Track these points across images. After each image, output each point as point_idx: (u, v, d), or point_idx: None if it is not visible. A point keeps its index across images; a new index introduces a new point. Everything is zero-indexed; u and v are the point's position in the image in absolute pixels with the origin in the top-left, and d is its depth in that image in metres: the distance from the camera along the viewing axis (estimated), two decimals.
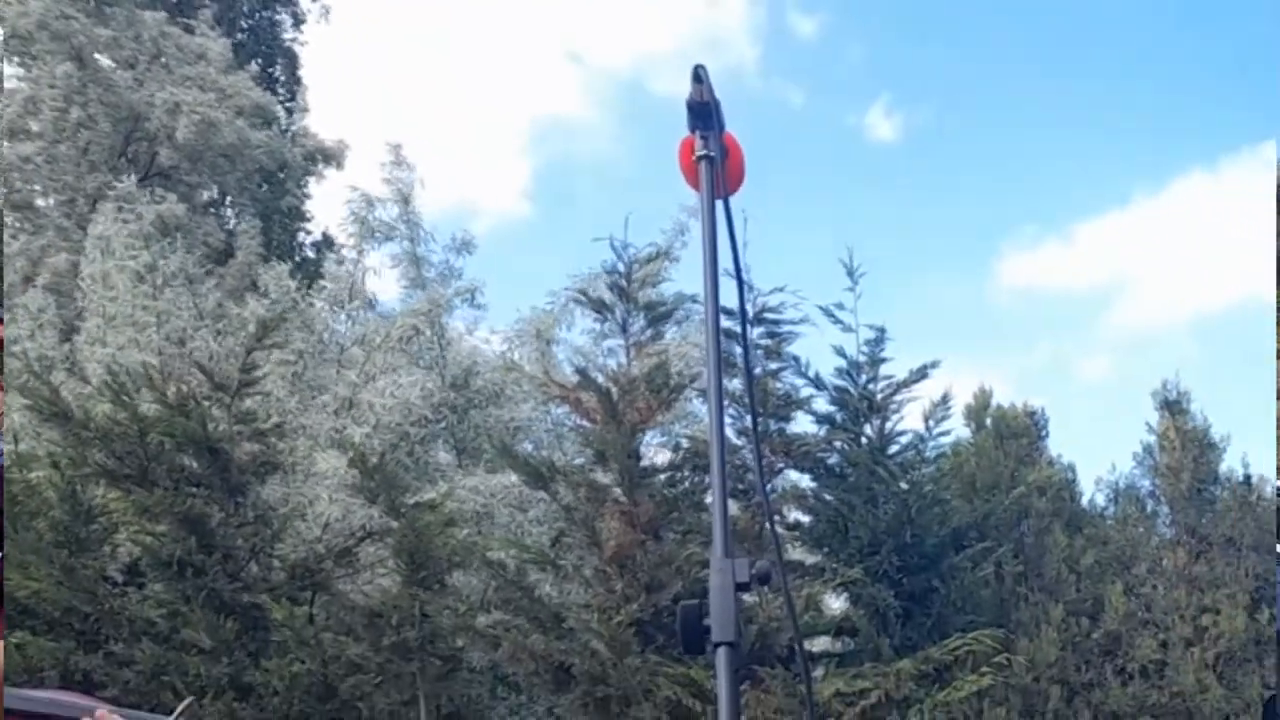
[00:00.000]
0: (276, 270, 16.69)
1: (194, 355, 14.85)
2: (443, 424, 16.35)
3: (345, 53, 37.80)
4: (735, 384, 13.91)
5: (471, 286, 18.09)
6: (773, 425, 14.40)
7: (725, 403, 12.49)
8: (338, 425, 15.11)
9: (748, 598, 13.50)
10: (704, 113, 3.03)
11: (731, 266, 3.32)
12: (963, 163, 33.05)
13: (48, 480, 13.05)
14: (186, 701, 3.57)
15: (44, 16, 22.24)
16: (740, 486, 14.26)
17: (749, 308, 14.11)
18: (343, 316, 17.47)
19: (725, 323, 11.60)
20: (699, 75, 3.13)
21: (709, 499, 13.48)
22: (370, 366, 16.05)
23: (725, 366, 13.67)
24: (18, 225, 19.69)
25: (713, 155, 3.01)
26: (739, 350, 13.44)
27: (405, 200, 18.29)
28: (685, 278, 15.02)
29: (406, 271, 18.13)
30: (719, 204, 3.07)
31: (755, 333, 14.28)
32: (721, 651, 2.85)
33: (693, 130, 3.04)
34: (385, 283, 18.19)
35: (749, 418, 13.80)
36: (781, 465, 14.53)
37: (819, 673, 13.16)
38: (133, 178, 20.37)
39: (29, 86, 23.13)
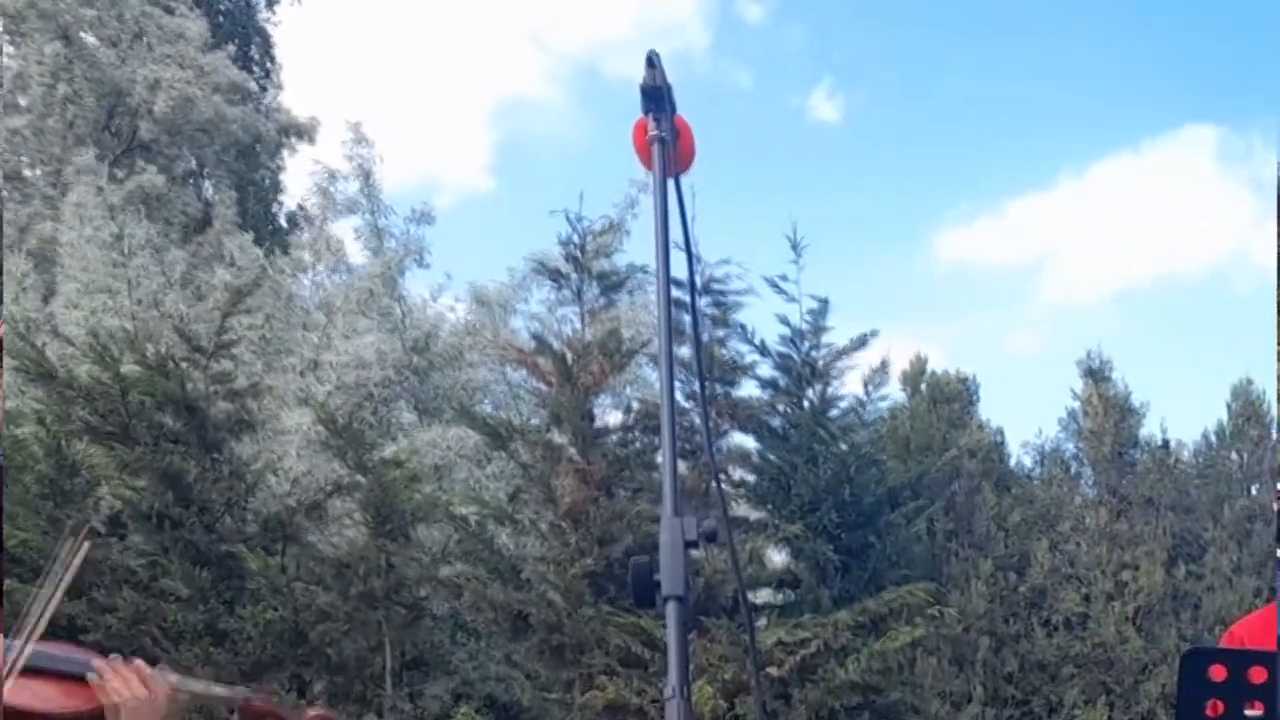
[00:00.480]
0: (241, 240, 16.78)
1: (170, 320, 14.82)
2: (405, 385, 16.42)
3: (317, 33, 37.90)
4: (684, 351, 13.41)
5: (419, 247, 18.30)
6: (719, 389, 14.38)
7: (675, 369, 12.84)
8: (303, 385, 15.23)
9: (695, 553, 14.07)
10: (656, 96, 3.05)
11: (682, 240, 3.27)
12: (900, 143, 33.63)
13: (34, 436, 12.94)
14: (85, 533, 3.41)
15: None
16: (688, 447, 14.02)
17: (697, 279, 14.04)
18: (306, 281, 17.67)
19: (675, 293, 11.96)
20: (652, 61, 3.16)
21: (659, 459, 12.99)
22: (331, 329, 16.17)
23: (675, 334, 14.36)
24: (6, 195, 19.99)
25: (664, 137, 3.03)
26: (688, 319, 13.34)
27: (366, 175, 18.62)
28: (636, 249, 15.05)
29: (369, 242, 18.35)
30: (670, 182, 3.08)
31: (703, 302, 14.21)
32: (671, 605, 2.77)
33: (646, 113, 3.05)
34: (350, 254, 18.50)
35: (697, 383, 14.05)
36: (728, 427, 14.31)
37: (761, 623, 13.23)
38: (92, 152, 20.72)
39: (18, 64, 23.40)
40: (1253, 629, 4.55)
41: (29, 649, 3.18)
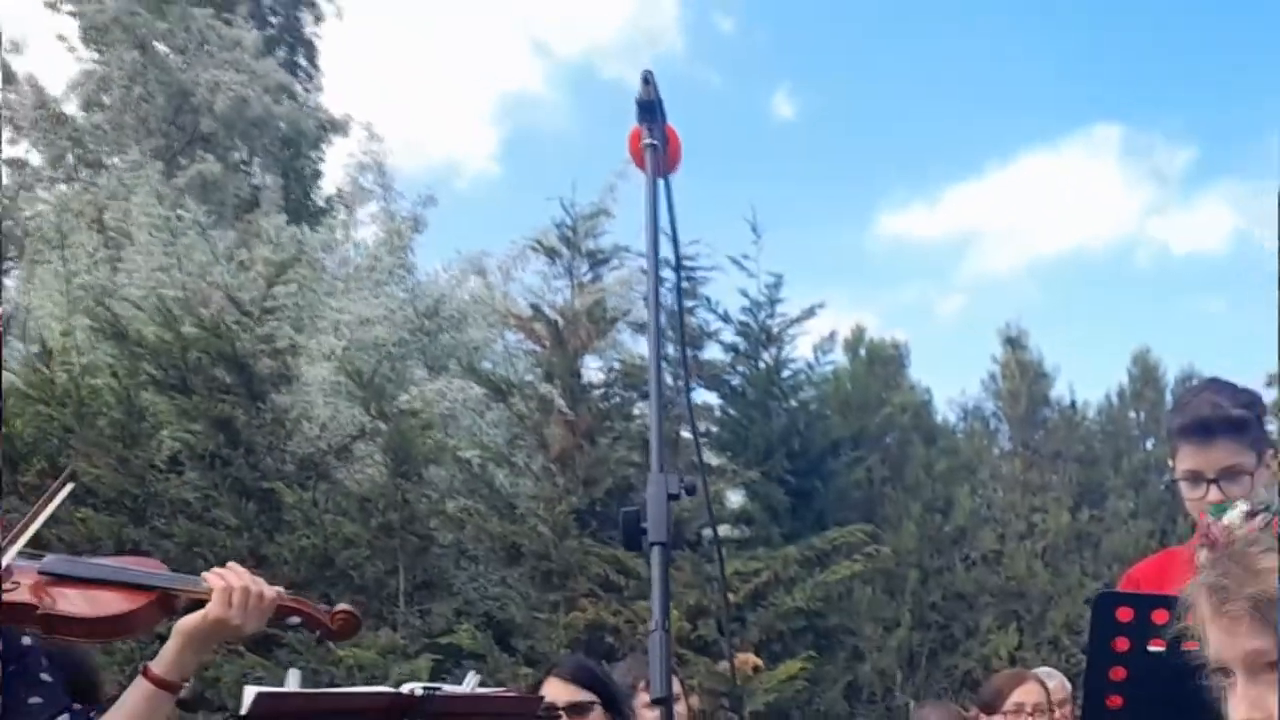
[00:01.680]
0: (276, 221, 17.11)
1: (219, 289, 15.09)
2: (417, 344, 16.67)
3: (354, 42, 39.17)
4: (661, 320, 14.37)
5: (414, 215, 19.25)
6: (688, 353, 14.08)
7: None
8: (327, 343, 15.60)
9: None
10: (649, 109, 3.13)
11: (669, 232, 3.31)
12: (848, 137, 34.32)
13: (107, 387, 13.12)
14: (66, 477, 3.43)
15: (117, 12, 23.50)
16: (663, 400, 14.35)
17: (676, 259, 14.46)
18: (336, 255, 18.07)
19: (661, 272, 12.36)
20: (647, 79, 3.23)
21: (636, 411, 14.28)
22: (345, 296, 16.62)
23: (671, 310, 14.53)
24: (89, 179, 20.38)
25: (656, 144, 3.12)
26: (669, 295, 13.59)
27: (379, 167, 19.44)
28: (621, 231, 15.12)
29: (384, 224, 18.86)
30: (660, 182, 3.15)
31: (681, 275, 14.23)
32: (655, 550, 2.79)
33: (640, 123, 3.13)
34: (368, 232, 19.21)
35: (672, 348, 14.20)
36: (694, 385, 14.50)
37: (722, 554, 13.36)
38: (154, 143, 21.37)
39: (102, 69, 24.26)
40: (1147, 573, 4.50)
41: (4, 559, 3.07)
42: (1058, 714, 6.68)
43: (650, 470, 2.88)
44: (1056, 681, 7.02)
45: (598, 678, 5.10)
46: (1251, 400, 4.25)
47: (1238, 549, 1.62)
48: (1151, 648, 2.96)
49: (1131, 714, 3.06)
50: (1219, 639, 1.56)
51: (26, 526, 3.17)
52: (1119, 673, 3.03)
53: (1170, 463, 4.33)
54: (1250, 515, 1.70)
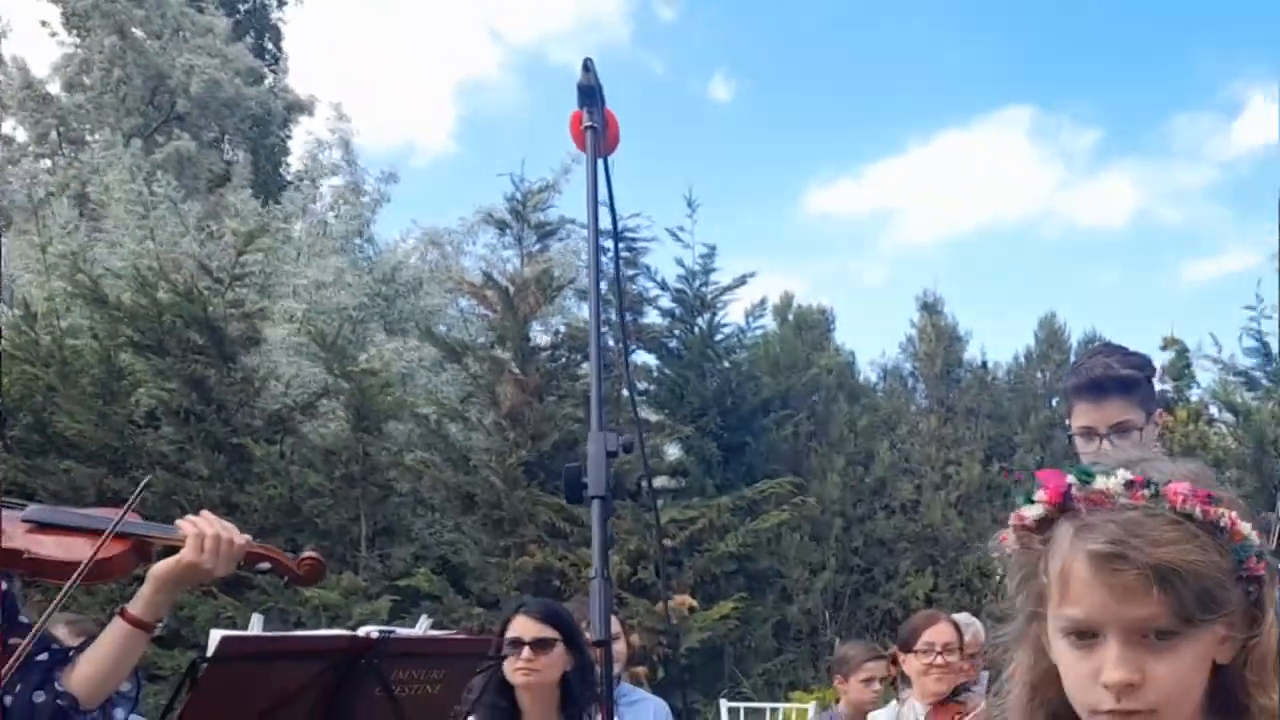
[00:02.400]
0: (242, 195, 17.37)
1: (192, 258, 15.11)
2: (375, 308, 16.78)
3: (318, 27, 39.78)
4: (603, 288, 14.50)
5: (377, 190, 19.75)
6: (628, 317, 14.69)
7: (600, 307, 13.06)
8: (289, 307, 15.71)
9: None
10: (590, 94, 3.03)
11: (607, 204, 3.17)
12: (778, 119, 35.03)
13: (88, 348, 13.54)
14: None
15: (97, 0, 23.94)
16: (603, 363, 14.55)
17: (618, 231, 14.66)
18: (298, 225, 18.16)
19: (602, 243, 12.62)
20: (587, 66, 3.13)
21: (581, 371, 14.28)
22: (310, 265, 16.67)
23: (612, 279, 14.61)
24: (72, 155, 20.59)
25: (595, 126, 2.99)
26: (610, 266, 13.91)
27: (346, 144, 19.75)
28: (567, 205, 15.45)
29: (348, 198, 19.21)
30: (600, 162, 3.01)
31: (621, 245, 14.47)
32: (595, 503, 2.74)
33: (581, 106, 3.01)
34: (332, 206, 19.52)
35: (613, 313, 14.56)
36: (634, 347, 14.91)
37: (659, 504, 13.79)
38: (131, 122, 21.65)
39: (84, 52, 24.70)
40: None
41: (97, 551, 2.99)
42: (969, 649, 6.46)
43: (590, 428, 2.86)
44: (974, 631, 6.84)
45: (561, 617, 5.10)
46: (1142, 363, 4.30)
47: (1135, 517, 1.56)
48: None
49: None
50: (1096, 603, 1.51)
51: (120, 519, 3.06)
52: None
53: (1067, 420, 4.29)
54: (1130, 486, 1.67)
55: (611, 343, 14.17)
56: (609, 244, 3.27)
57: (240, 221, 16.60)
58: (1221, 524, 1.51)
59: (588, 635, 5.03)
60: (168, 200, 17.11)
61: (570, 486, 2.75)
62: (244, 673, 3.02)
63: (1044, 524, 1.57)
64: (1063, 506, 1.56)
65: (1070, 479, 1.75)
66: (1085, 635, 1.51)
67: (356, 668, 3.16)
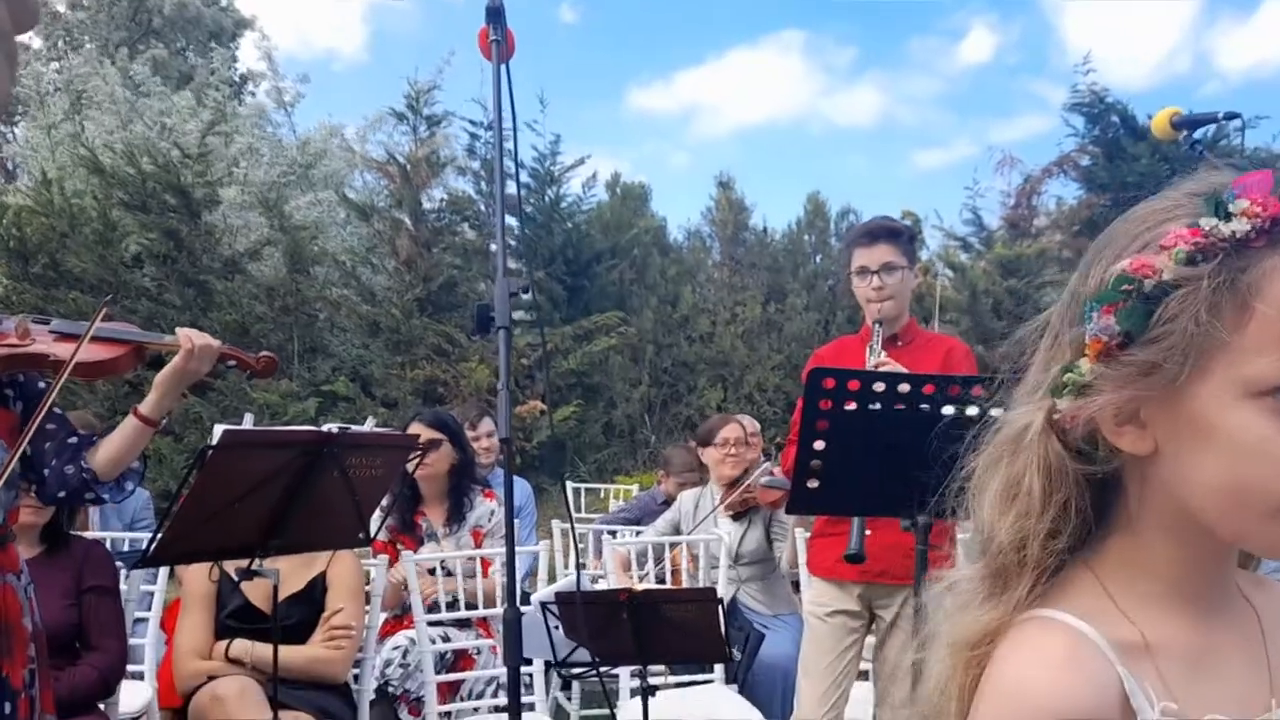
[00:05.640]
0: (186, 96, 18.65)
1: (170, 137, 16.24)
2: (300, 178, 18.00)
3: None
4: (478, 168, 15.86)
5: (295, 88, 22.02)
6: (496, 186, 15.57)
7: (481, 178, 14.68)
8: (238, 174, 16.78)
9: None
10: (496, 14, 3.09)
11: (508, 101, 3.22)
12: (611, 36, 39.75)
13: (89, 206, 14.82)
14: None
15: None
16: (479, 222, 15.96)
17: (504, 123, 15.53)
18: (240, 111, 19.61)
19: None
20: None
21: (459, 230, 15.54)
22: (241, 141, 17.84)
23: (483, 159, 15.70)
24: (75, 60, 22.24)
25: (499, 40, 3.07)
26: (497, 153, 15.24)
27: (268, 56, 22.90)
28: (449, 99, 17.13)
29: (272, 96, 21.41)
30: (502, 67, 3.10)
31: (487, 135, 16.41)
32: (501, 332, 2.90)
33: (487, 23, 3.10)
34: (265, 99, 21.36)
35: (483, 184, 16.11)
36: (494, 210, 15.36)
37: (518, 331, 13.62)
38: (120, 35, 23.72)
39: None
40: (829, 353, 4.58)
41: (73, 360, 3.08)
42: (752, 443, 6.80)
43: (496, 275, 3.04)
44: (750, 422, 7.11)
45: (447, 423, 5.65)
46: (907, 225, 4.60)
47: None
48: (847, 406, 3.06)
49: (833, 449, 3.12)
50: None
51: (86, 335, 3.15)
52: (823, 424, 3.10)
53: (847, 270, 4.47)
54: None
55: (483, 208, 16.04)
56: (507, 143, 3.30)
57: (203, 111, 17.77)
58: None
59: (471, 432, 6.41)
60: (151, 94, 18.39)
61: (481, 319, 3.00)
62: (238, 457, 3.36)
63: (1241, 247, 1.06)
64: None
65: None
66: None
67: (321, 455, 3.49)
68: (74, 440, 3.34)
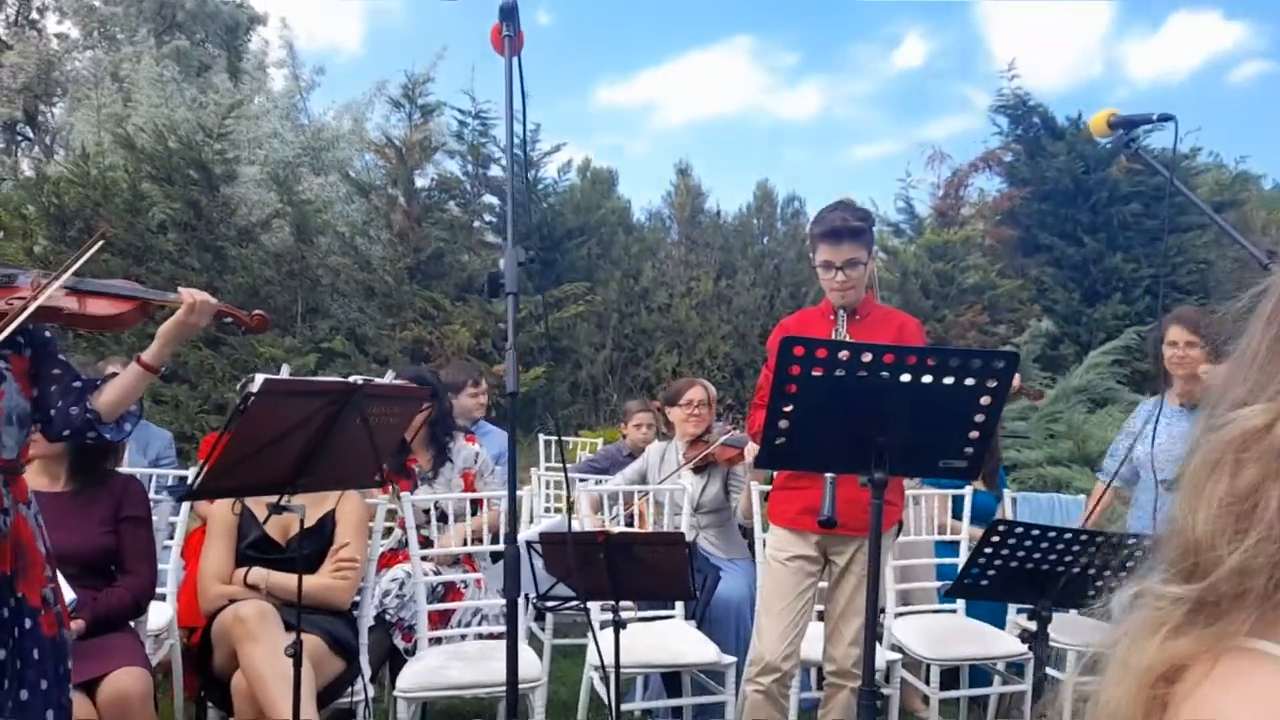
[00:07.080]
0: (223, 78, 19.59)
1: (193, 118, 16.92)
2: (308, 159, 18.71)
3: None
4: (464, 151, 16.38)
5: (310, 79, 22.39)
6: (480, 170, 16.87)
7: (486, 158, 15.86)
8: (255, 154, 17.52)
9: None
10: (510, 12, 3.23)
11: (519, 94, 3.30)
12: (582, 37, 42.94)
13: (121, 178, 15.60)
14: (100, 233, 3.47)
15: None
16: (465, 199, 16.68)
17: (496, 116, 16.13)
18: (257, 99, 20.26)
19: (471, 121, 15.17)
20: None
21: (446, 207, 16.20)
22: (258, 127, 18.52)
23: (479, 148, 16.37)
24: (108, 46, 23.48)
25: (511, 36, 3.23)
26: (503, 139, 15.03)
27: (289, 46, 22.94)
28: (441, 90, 18.38)
29: (290, 84, 21.69)
30: (515, 60, 3.25)
31: (476, 122, 16.92)
32: (510, 298, 3.05)
33: (501, 21, 3.23)
34: (280, 89, 21.92)
35: (466, 163, 16.32)
36: (482, 191, 16.88)
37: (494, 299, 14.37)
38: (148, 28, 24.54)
39: None
40: (794, 323, 4.66)
41: (54, 286, 3.20)
42: (712, 405, 6.92)
43: (506, 246, 3.22)
44: (710, 389, 7.11)
45: (426, 379, 5.76)
46: (867, 215, 4.58)
47: None
48: (814, 372, 3.14)
49: (800, 411, 3.21)
50: None
51: (73, 263, 3.32)
52: (792, 388, 3.19)
53: (811, 256, 4.52)
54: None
55: (469, 186, 16.71)
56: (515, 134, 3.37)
57: (221, 97, 18.59)
58: None
59: (471, 388, 7.31)
60: (174, 82, 19.33)
61: (493, 285, 3.21)
62: (277, 402, 3.52)
63: None
64: None
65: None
66: None
67: (348, 404, 3.66)
68: (78, 384, 3.52)
